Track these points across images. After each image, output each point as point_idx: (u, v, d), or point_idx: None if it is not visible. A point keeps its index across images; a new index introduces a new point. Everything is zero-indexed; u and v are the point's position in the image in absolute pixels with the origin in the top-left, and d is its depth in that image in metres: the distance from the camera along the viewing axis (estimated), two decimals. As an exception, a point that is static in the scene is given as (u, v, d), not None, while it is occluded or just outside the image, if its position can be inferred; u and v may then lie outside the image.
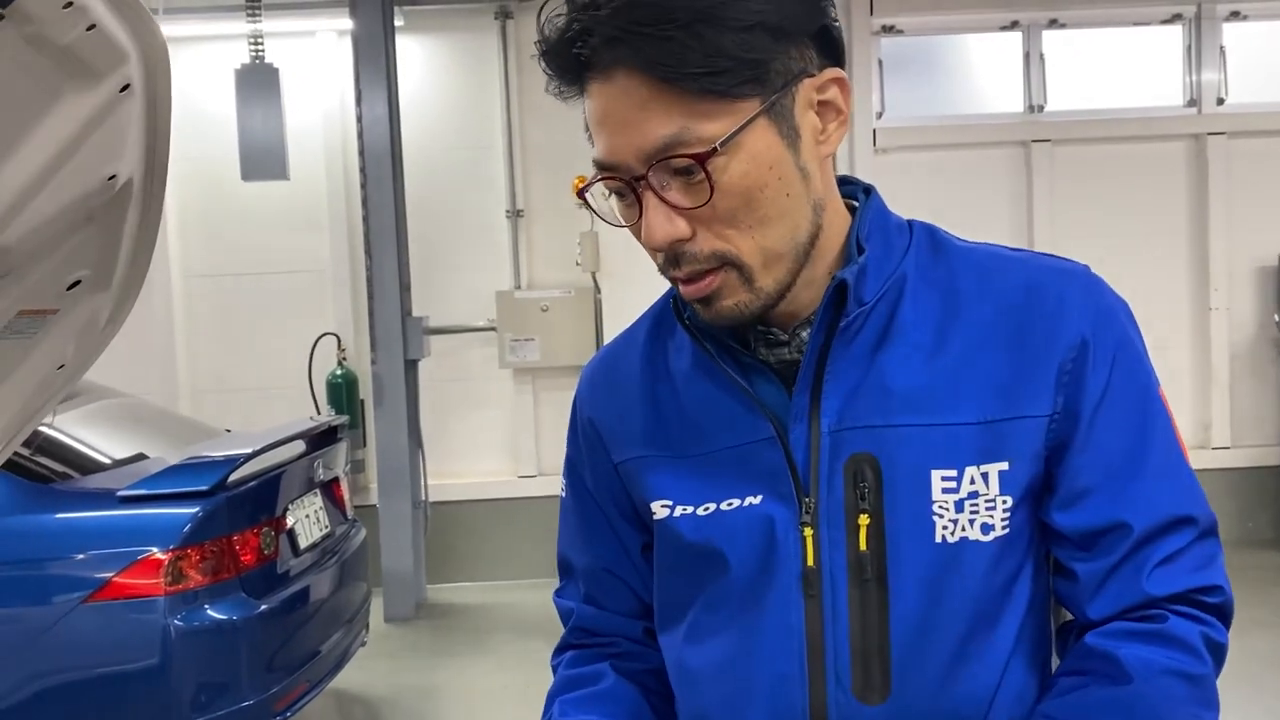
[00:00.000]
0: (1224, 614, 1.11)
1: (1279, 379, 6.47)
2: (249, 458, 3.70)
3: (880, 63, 6.50)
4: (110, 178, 1.31)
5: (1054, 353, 1.09)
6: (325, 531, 4.23)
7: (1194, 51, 6.49)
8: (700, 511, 1.16)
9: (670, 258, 1.07)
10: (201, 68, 6.23)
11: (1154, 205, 6.45)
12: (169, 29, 6.55)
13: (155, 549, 3.44)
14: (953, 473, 1.09)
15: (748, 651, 1.14)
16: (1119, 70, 6.54)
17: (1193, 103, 6.50)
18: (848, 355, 1.11)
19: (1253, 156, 6.43)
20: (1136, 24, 6.52)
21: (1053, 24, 6.49)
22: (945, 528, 1.09)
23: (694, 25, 0.99)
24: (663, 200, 1.05)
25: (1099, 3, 6.41)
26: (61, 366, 1.54)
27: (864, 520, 1.09)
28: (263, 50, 5.82)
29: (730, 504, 1.14)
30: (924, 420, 1.09)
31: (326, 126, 6.39)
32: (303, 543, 4.01)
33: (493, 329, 6.37)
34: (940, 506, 1.09)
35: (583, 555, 1.31)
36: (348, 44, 5.98)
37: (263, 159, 5.73)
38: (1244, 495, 6.47)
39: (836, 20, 1.09)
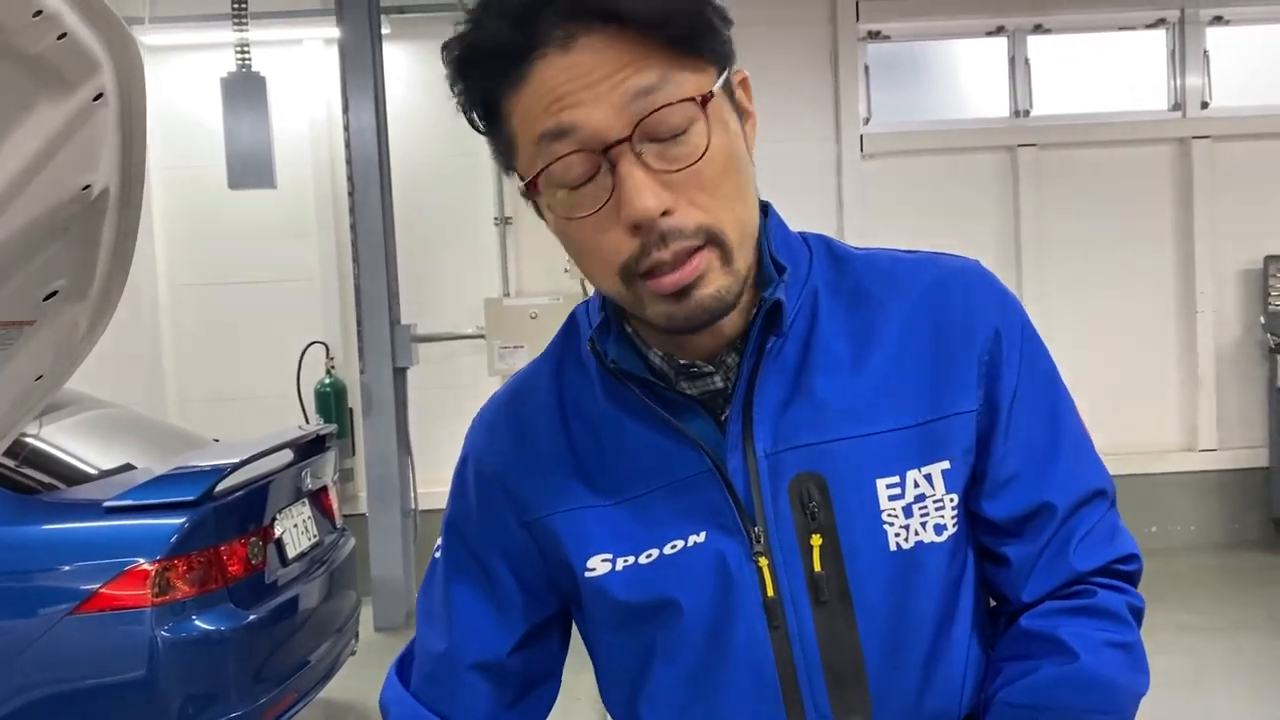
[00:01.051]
0: (1136, 579, 1.14)
1: (1265, 381, 6.48)
2: (236, 467, 3.68)
3: (866, 69, 6.50)
4: (85, 187, 1.30)
5: (973, 347, 1.10)
6: (314, 541, 4.22)
7: (1178, 56, 6.51)
8: (643, 560, 1.10)
9: (655, 239, 0.98)
10: (188, 77, 6.23)
11: (1139, 209, 6.47)
12: (155, 38, 6.49)
13: (142, 560, 3.42)
14: (895, 479, 1.08)
15: (718, 696, 1.10)
16: (1104, 75, 6.56)
17: (1177, 106, 6.52)
18: (774, 376, 1.08)
19: (1237, 159, 6.44)
20: (1121, 29, 6.53)
21: (1038, 29, 6.51)
22: (898, 534, 1.08)
23: None
24: (647, 167, 0.97)
25: (1083, 8, 6.43)
26: (40, 378, 1.53)
27: (815, 540, 1.07)
28: (249, 59, 5.81)
29: (674, 546, 1.09)
30: (860, 431, 1.08)
31: (314, 135, 6.39)
32: (291, 552, 4.00)
33: (481, 336, 6.35)
34: (889, 515, 1.08)
35: (444, 639, 1.19)
36: (334, 52, 5.97)
37: (250, 167, 5.72)
38: (1231, 497, 6.49)
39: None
